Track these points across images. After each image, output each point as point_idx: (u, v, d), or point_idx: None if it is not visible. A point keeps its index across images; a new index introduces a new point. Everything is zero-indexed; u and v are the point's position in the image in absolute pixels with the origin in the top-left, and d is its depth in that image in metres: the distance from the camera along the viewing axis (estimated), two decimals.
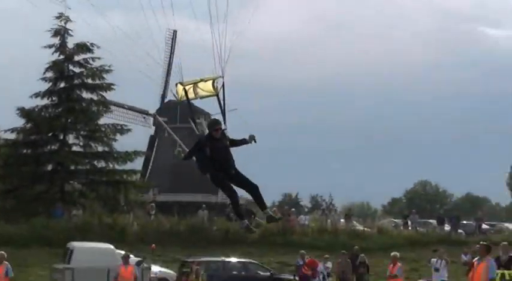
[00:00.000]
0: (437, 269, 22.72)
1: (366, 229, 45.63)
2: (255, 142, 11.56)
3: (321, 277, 30.09)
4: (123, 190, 45.62)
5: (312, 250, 35.78)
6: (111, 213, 41.91)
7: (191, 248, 38.52)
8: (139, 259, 27.82)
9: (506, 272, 20.42)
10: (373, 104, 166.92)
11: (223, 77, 12.01)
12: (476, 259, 14.45)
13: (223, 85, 12.00)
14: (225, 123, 11.54)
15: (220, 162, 11.27)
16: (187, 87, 12.14)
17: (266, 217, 11.65)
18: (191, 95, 12.28)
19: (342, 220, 48.71)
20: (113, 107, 51.17)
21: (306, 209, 61.74)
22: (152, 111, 61.87)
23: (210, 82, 12.13)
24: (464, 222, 52.16)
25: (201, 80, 12.18)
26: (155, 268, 30.42)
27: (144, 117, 60.50)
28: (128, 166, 47.31)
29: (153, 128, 62.86)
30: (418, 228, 48.16)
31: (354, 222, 48.39)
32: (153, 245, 35.95)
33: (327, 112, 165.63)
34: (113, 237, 33.77)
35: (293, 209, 50.04)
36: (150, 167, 61.61)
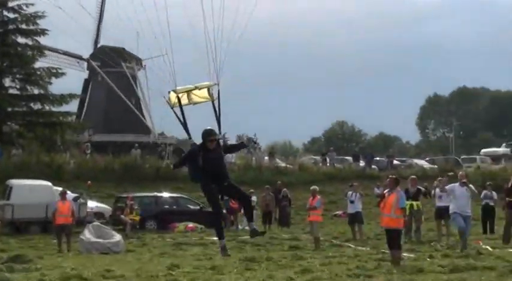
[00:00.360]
0: (352, 202, 23.39)
1: (288, 165, 46.27)
2: (255, 143, 10.92)
3: None
4: (59, 131, 45.36)
5: (238, 185, 36.15)
6: (49, 152, 41.49)
7: (125, 184, 38.52)
8: (76, 195, 27.77)
9: (414, 203, 21.24)
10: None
11: (218, 84, 11.16)
12: (386, 190, 14.89)
13: (218, 93, 11.18)
14: (219, 130, 10.87)
15: (213, 173, 10.54)
16: (180, 95, 11.05)
17: (250, 230, 11.06)
18: (184, 101, 11.15)
19: (266, 158, 49.21)
20: (47, 52, 50.50)
21: None
22: (86, 56, 61.02)
23: (205, 90, 11.26)
24: (377, 159, 53.36)
25: (196, 88, 11.25)
26: (91, 204, 30.42)
27: (78, 62, 59.73)
28: (64, 108, 47.13)
29: (87, 72, 62.22)
30: (335, 164, 49.08)
31: (277, 159, 48.97)
32: (89, 182, 35.85)
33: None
34: (51, 175, 33.44)
35: None
36: (84, 109, 61.01)
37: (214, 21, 10.90)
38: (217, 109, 11.21)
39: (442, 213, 21.22)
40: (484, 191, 23.76)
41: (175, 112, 11.03)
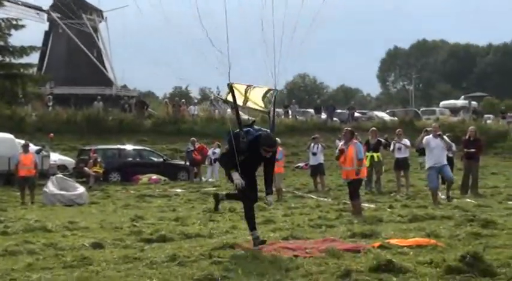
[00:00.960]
0: (314, 154, 23.52)
1: (250, 118, 46.17)
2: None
3: (209, 161, 30.62)
4: (20, 83, 44.44)
5: (202, 137, 36.19)
6: (10, 105, 40.89)
7: (88, 137, 38.24)
8: (38, 147, 27.44)
9: (375, 154, 21.48)
10: None
11: (276, 91, 10.17)
12: (342, 143, 14.98)
13: (274, 99, 10.20)
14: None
15: (246, 172, 9.52)
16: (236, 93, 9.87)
17: (253, 238, 9.56)
18: (240, 98, 10.01)
19: (229, 110, 49.12)
20: (6, 2, 49.17)
21: (196, 101, 61.69)
22: (46, 7, 59.80)
23: (261, 94, 10.11)
24: (339, 111, 53.65)
25: (252, 88, 10.01)
26: (54, 156, 30.12)
27: (37, 13, 58.40)
28: (25, 60, 46.06)
29: (47, 24, 61.07)
30: (297, 117, 49.30)
31: (240, 112, 48.84)
32: (51, 134, 35.48)
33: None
34: (12, 127, 32.93)
35: (183, 100, 50.05)
36: (45, 62, 60.06)
37: None
38: (271, 118, 10.36)
39: (401, 164, 21.61)
40: None
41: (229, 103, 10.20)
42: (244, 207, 9.81)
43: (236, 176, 9.45)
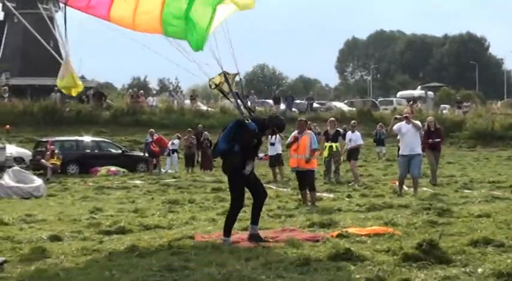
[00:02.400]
0: (273, 144, 23.49)
1: (209, 109, 46.22)
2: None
3: (168, 152, 30.53)
4: None
5: (161, 128, 36.03)
6: None
7: (45, 129, 37.75)
8: None
9: (333, 144, 21.59)
10: None
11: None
12: (296, 132, 15.03)
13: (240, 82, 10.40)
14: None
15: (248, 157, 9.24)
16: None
17: (250, 234, 9.32)
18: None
19: (187, 101, 49.01)
20: None
21: (154, 92, 61.36)
22: None
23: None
24: (298, 101, 53.90)
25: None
26: (11, 148, 29.66)
27: None
28: None
29: (2, 13, 60.09)
30: (256, 107, 49.35)
31: (199, 103, 48.84)
32: (7, 126, 34.99)
33: None
34: None
35: (141, 91, 49.76)
36: (0, 52, 59.06)
37: None
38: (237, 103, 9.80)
39: (353, 154, 21.73)
40: None
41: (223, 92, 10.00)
42: (235, 211, 9.49)
43: (250, 167, 9.25)
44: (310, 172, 14.49)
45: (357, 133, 22.22)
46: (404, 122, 16.38)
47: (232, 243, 8.97)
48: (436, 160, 20.26)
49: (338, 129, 22.25)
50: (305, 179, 14.49)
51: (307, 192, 14.49)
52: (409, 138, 16.10)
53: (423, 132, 19.90)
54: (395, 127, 16.67)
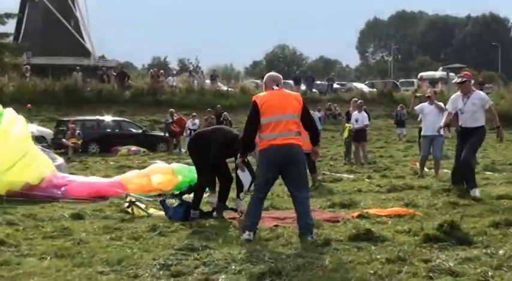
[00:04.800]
0: None
1: (229, 89, 46.20)
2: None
3: (188, 132, 30.61)
4: None
5: (181, 108, 36.10)
6: None
7: (66, 108, 38.03)
8: None
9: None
10: None
11: None
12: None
13: None
14: None
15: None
16: None
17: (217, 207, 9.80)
18: None
19: (208, 81, 49.02)
20: None
21: (174, 72, 61.33)
22: None
23: None
24: (318, 82, 53.72)
25: None
26: (32, 127, 29.83)
27: None
28: (0, 29, 45.43)
29: None
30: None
31: (219, 83, 48.83)
32: (29, 105, 35.22)
33: None
34: None
35: (162, 71, 49.84)
36: (22, 31, 59.31)
37: None
38: None
39: (357, 135, 20.90)
40: None
41: None
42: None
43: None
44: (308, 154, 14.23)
45: (364, 113, 20.97)
46: (427, 102, 16.20)
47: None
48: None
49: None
50: (308, 161, 14.28)
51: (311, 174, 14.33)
52: (432, 118, 15.82)
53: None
54: (417, 107, 16.48)
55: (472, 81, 12.12)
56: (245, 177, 8.67)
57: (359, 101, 22.09)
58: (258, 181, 8.06)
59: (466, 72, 12.28)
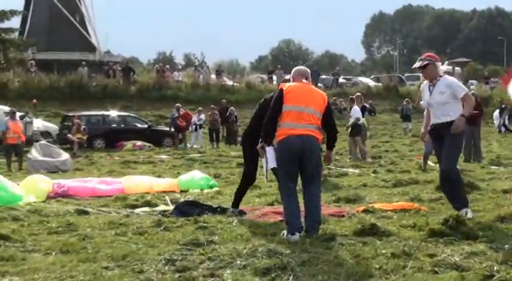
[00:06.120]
0: None
1: (235, 84, 46.20)
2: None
3: (194, 127, 30.62)
4: (2, 48, 43.93)
5: (186, 103, 36.11)
6: None
7: (71, 103, 38.08)
8: (21, 113, 27.27)
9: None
10: None
11: None
12: None
13: None
14: None
15: None
16: None
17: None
18: None
19: (213, 76, 49.02)
20: None
21: (180, 66, 61.30)
22: None
23: None
24: (323, 76, 53.65)
25: None
26: (38, 122, 29.96)
27: None
28: (5, 24, 45.37)
29: None
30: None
31: (224, 78, 48.83)
32: (34, 100, 35.29)
33: None
34: None
35: (167, 66, 49.83)
36: (27, 26, 59.31)
37: None
38: None
39: (355, 130, 20.65)
40: None
41: None
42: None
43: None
44: None
45: (355, 107, 20.34)
46: None
47: (258, 216, 8.99)
48: (475, 136, 19.00)
49: (364, 104, 22.03)
50: None
51: None
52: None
53: None
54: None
55: (439, 64, 9.05)
56: (264, 163, 8.51)
57: (350, 96, 21.76)
58: (281, 175, 7.91)
59: (429, 53, 9.25)
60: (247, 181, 9.64)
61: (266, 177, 9.02)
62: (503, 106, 36.56)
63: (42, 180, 12.57)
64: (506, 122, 36.05)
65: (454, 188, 8.48)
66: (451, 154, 8.50)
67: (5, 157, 20.89)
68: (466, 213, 8.16)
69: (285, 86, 7.94)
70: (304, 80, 8.15)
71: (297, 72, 8.37)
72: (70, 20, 59.26)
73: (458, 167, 8.64)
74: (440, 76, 8.82)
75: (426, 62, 8.73)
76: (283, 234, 7.54)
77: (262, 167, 8.92)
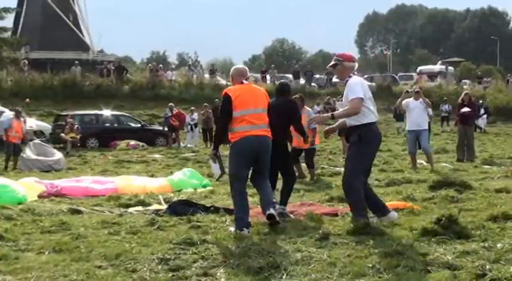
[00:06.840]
0: None
1: (228, 83, 46.10)
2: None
3: (189, 127, 30.59)
4: None
5: (179, 103, 36.06)
6: None
7: (64, 102, 38.01)
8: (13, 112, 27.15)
9: None
10: None
11: None
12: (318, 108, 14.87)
13: None
14: None
15: None
16: None
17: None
18: None
19: (207, 75, 48.96)
20: None
21: (173, 66, 61.25)
22: None
23: None
24: (317, 76, 53.65)
25: None
26: (31, 122, 29.86)
27: None
28: None
29: None
30: (276, 82, 49.14)
31: (218, 77, 48.78)
32: (27, 99, 35.20)
33: None
34: None
35: (161, 66, 49.75)
36: (20, 25, 59.21)
37: None
38: None
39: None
40: None
41: None
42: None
43: None
44: (311, 150, 14.34)
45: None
46: (412, 98, 16.25)
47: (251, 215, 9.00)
48: (469, 135, 19.21)
49: None
50: (307, 157, 14.40)
51: (309, 169, 14.42)
52: (416, 114, 15.99)
53: (457, 106, 19.16)
54: (403, 103, 16.51)
55: (350, 64, 8.37)
56: (215, 168, 8.82)
57: (339, 97, 21.67)
58: (232, 173, 8.12)
59: (342, 53, 8.54)
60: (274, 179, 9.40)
61: (217, 180, 9.24)
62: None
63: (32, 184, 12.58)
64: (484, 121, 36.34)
65: (352, 198, 8.06)
66: (351, 162, 8.25)
67: (5, 154, 20.82)
68: (375, 221, 8.00)
69: (230, 91, 8.12)
70: (244, 81, 8.34)
71: (237, 73, 8.52)
72: (63, 19, 59.22)
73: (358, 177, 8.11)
74: (350, 76, 8.25)
75: (334, 63, 8.43)
76: (231, 230, 7.77)
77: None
